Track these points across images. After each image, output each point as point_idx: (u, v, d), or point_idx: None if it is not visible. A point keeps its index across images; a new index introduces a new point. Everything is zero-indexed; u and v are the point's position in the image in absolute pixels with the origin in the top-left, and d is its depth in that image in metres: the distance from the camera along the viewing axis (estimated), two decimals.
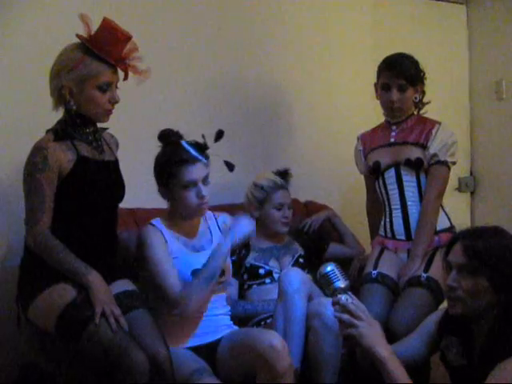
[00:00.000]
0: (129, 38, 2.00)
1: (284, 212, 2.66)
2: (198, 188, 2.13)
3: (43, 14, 2.55)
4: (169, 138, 2.18)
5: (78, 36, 2.00)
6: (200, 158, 2.14)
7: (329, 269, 1.79)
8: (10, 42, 2.48)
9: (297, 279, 2.15)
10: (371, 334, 1.72)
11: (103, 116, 2.04)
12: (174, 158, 2.13)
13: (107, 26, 1.97)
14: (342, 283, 1.78)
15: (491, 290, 1.67)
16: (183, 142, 2.16)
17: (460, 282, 1.70)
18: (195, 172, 2.12)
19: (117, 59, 1.99)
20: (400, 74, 2.52)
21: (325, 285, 1.81)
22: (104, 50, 1.96)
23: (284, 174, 2.74)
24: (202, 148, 2.17)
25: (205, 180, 2.15)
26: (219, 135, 2.20)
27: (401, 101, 2.55)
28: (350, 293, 1.80)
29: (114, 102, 2.02)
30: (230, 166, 2.24)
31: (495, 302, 1.68)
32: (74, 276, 1.92)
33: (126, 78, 2.06)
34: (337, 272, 1.79)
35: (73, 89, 1.97)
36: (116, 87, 2.04)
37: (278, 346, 1.89)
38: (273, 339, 1.91)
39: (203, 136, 2.18)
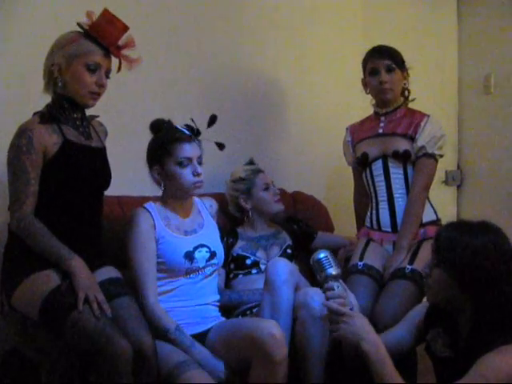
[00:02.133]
0: (126, 27, 2.00)
1: (272, 190, 2.69)
2: (193, 165, 2.18)
3: (39, 3, 2.52)
4: (161, 126, 2.23)
5: (78, 24, 1.99)
6: (194, 138, 2.20)
7: (322, 255, 1.81)
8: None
9: (285, 270, 2.15)
10: (355, 329, 1.73)
11: (88, 98, 2.01)
12: (169, 136, 2.19)
13: (106, 15, 1.98)
14: (334, 270, 1.79)
15: (456, 285, 1.68)
16: (178, 126, 2.22)
17: (431, 270, 1.74)
18: (190, 150, 2.18)
19: (111, 43, 1.98)
20: (386, 56, 2.57)
21: (317, 271, 1.82)
22: (100, 33, 1.96)
23: (252, 163, 2.78)
24: (194, 131, 2.22)
25: (199, 160, 2.21)
26: (212, 120, 2.26)
27: (391, 82, 2.57)
28: (341, 281, 1.81)
29: (100, 84, 1.99)
30: (221, 146, 2.30)
31: (466, 297, 1.69)
32: (57, 261, 1.90)
33: (119, 69, 2.05)
34: (330, 259, 1.80)
35: (62, 66, 1.96)
36: (107, 76, 2.02)
37: (278, 335, 1.89)
38: (272, 328, 1.91)
39: (192, 119, 2.22)
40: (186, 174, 2.18)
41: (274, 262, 2.24)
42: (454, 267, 1.67)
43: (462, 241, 1.67)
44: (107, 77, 2.03)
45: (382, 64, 2.56)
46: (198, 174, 2.18)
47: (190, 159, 2.18)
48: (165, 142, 2.19)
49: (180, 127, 2.21)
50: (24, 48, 2.44)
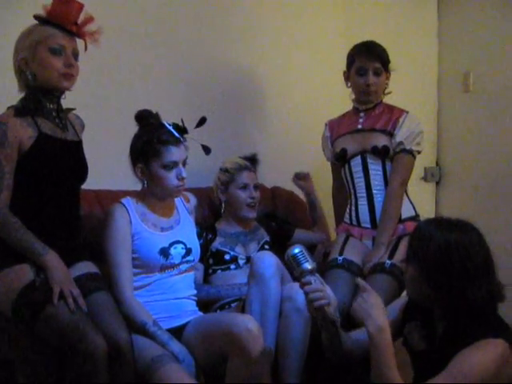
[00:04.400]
0: (81, 5, 1.97)
1: (250, 192, 2.63)
2: (178, 169, 2.17)
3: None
4: (148, 119, 2.20)
5: (34, 16, 1.97)
6: (182, 140, 2.18)
7: (297, 251, 1.81)
8: None
9: (272, 263, 2.14)
10: (367, 306, 1.71)
11: (61, 80, 1.96)
12: (158, 136, 2.15)
13: None
14: (310, 265, 1.80)
15: (425, 281, 1.69)
16: (166, 124, 2.19)
17: (405, 265, 1.76)
18: (177, 153, 2.16)
19: (70, 22, 1.95)
20: (376, 58, 2.57)
21: (293, 266, 1.81)
22: (57, 15, 1.94)
23: (251, 159, 2.74)
24: (182, 131, 2.20)
25: (184, 162, 2.19)
26: (201, 122, 2.24)
27: (376, 84, 2.58)
28: (317, 274, 1.81)
29: (68, 64, 1.95)
30: (207, 150, 2.27)
31: (435, 294, 1.69)
32: (31, 256, 1.88)
33: (85, 48, 2.02)
34: (305, 254, 1.80)
35: (27, 58, 1.93)
36: (74, 58, 1.98)
37: (254, 330, 1.89)
38: (249, 323, 1.91)
39: (182, 120, 2.20)
40: (171, 177, 2.16)
41: (260, 255, 2.23)
42: (421, 262, 1.68)
43: (432, 236, 1.68)
44: (75, 59, 1.99)
45: (371, 66, 2.56)
46: (182, 178, 2.17)
47: (176, 163, 2.16)
48: (152, 142, 2.15)
49: (168, 125, 2.18)
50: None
